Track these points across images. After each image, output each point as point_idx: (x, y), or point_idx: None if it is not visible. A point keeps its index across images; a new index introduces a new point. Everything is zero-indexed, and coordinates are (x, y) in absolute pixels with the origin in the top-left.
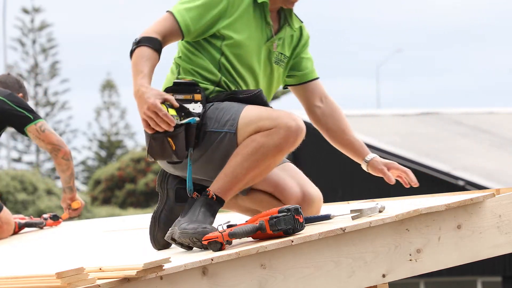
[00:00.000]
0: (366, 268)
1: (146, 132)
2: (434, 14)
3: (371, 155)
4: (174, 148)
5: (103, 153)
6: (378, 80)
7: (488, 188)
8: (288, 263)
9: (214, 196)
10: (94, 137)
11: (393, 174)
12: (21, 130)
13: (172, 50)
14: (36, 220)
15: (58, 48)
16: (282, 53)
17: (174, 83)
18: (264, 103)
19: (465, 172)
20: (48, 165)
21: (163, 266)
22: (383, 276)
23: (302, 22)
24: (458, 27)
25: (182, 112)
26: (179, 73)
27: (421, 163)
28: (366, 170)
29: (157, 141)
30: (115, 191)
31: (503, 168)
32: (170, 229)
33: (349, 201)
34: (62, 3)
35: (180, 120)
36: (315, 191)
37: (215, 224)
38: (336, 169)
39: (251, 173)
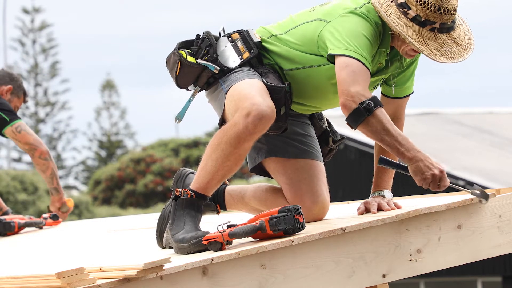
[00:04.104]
0: (366, 268)
1: (174, 50)
2: None
3: (376, 193)
4: (177, 73)
5: (103, 153)
6: None
7: (488, 188)
8: (288, 263)
9: (194, 194)
10: (94, 137)
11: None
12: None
13: None
14: (36, 220)
15: (58, 48)
16: (382, 78)
17: (247, 34)
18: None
19: (465, 172)
20: None
21: (163, 266)
22: (383, 276)
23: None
24: None
25: (212, 56)
26: (271, 36)
27: None
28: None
29: (175, 57)
30: (115, 191)
31: (503, 168)
32: (165, 234)
33: (349, 201)
34: (62, 3)
35: (202, 60)
36: (317, 199)
37: (215, 224)
38: (337, 169)
39: (224, 164)
